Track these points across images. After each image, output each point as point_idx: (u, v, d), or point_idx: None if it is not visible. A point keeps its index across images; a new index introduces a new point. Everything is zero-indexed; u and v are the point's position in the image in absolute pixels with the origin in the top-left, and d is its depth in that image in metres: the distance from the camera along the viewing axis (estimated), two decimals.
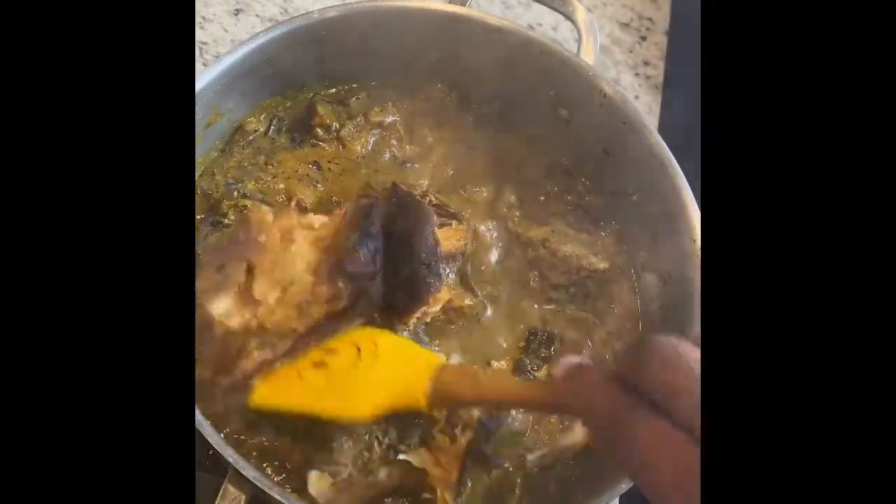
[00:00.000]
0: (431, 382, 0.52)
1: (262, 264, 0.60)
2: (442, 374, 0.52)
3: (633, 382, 0.37)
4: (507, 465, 0.64)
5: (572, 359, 0.42)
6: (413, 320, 0.65)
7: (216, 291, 0.59)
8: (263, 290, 0.59)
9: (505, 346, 0.69)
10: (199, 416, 0.54)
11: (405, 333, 0.65)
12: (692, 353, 0.35)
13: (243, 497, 0.53)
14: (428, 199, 0.70)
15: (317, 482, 0.58)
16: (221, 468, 0.54)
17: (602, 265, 0.72)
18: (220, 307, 0.59)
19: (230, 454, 0.53)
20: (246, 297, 0.59)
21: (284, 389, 0.55)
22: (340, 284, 0.59)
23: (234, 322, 0.58)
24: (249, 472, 0.52)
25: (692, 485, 0.33)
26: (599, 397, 0.38)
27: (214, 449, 0.53)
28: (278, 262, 0.60)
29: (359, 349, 0.56)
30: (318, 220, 0.63)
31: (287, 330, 0.58)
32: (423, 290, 0.63)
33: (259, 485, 0.52)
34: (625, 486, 0.58)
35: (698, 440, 0.34)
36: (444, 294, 0.65)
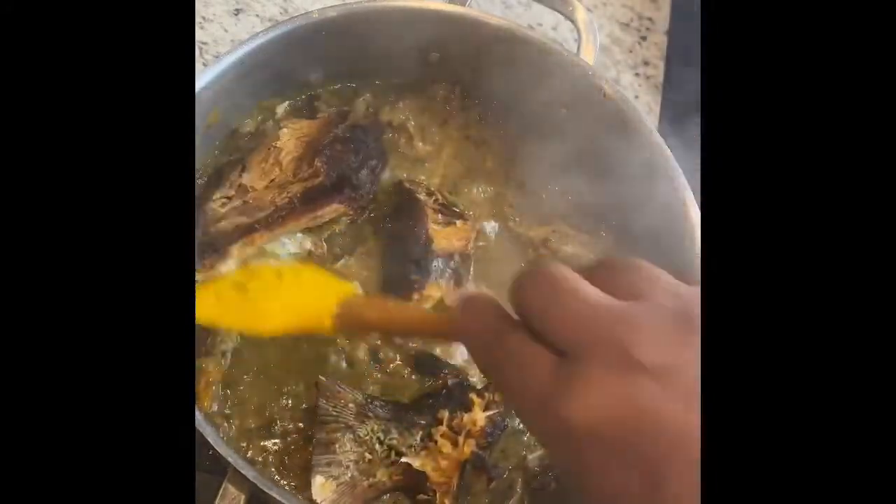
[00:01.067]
0: (339, 307, 0.52)
1: (252, 161, 0.69)
2: (350, 300, 0.53)
3: (518, 309, 0.36)
4: (505, 475, 0.64)
5: (468, 291, 0.41)
6: None
7: (213, 189, 0.68)
8: (253, 179, 0.68)
9: None
10: (198, 416, 0.54)
11: None
12: (567, 276, 0.34)
13: (243, 497, 0.53)
14: (434, 197, 0.71)
15: (321, 488, 0.58)
16: (221, 468, 0.54)
17: None
18: (216, 197, 0.68)
19: (230, 454, 0.53)
20: (239, 189, 0.68)
21: (204, 304, 0.56)
22: (317, 163, 0.68)
23: (225, 208, 0.67)
24: (249, 471, 0.52)
25: (557, 411, 0.31)
26: (484, 323, 0.37)
27: (214, 449, 0.53)
28: (266, 156, 0.70)
29: (280, 276, 0.58)
30: (303, 123, 0.72)
31: (266, 203, 0.67)
32: (406, 286, 0.66)
33: (259, 484, 0.52)
34: None
35: (563, 357, 0.32)
36: (434, 292, 0.66)
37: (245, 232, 0.66)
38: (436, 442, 0.61)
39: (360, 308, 0.52)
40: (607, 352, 0.31)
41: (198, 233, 0.65)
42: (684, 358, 0.31)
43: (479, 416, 0.62)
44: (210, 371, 0.63)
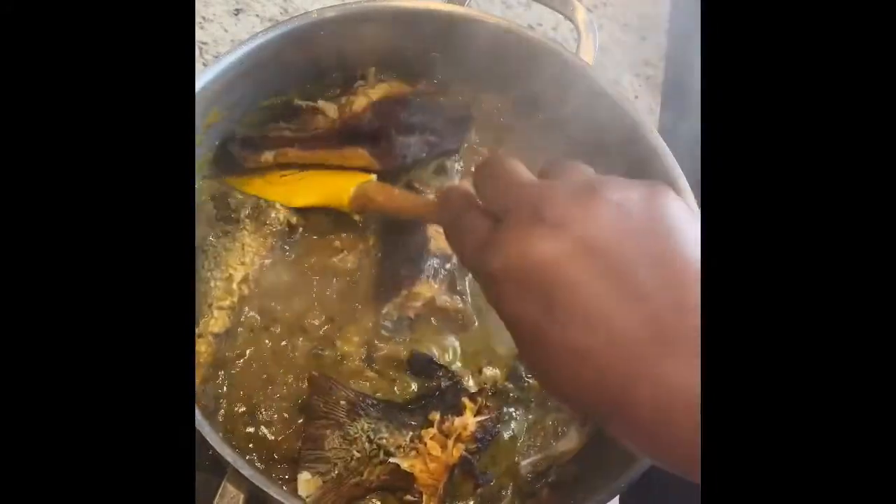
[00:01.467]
0: (355, 189, 0.67)
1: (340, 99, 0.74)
2: (364, 185, 0.67)
3: (475, 188, 0.44)
4: (493, 482, 0.64)
5: (451, 184, 0.51)
6: (393, 312, 0.66)
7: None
8: (327, 108, 0.73)
9: (500, 352, 0.69)
10: (198, 415, 0.54)
11: (387, 324, 0.66)
12: (508, 162, 0.42)
13: (242, 496, 0.53)
14: None
15: (306, 485, 0.58)
16: (220, 468, 0.54)
17: None
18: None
19: (228, 453, 0.53)
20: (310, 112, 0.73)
21: (257, 184, 0.71)
22: (368, 111, 0.71)
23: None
24: (247, 470, 0.52)
25: (484, 260, 0.39)
26: (454, 204, 0.44)
27: (214, 448, 0.53)
28: (351, 98, 0.73)
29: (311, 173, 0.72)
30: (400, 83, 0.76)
31: (312, 127, 0.72)
32: (397, 281, 0.67)
33: (258, 484, 0.52)
34: (625, 485, 0.58)
35: (498, 221, 0.40)
36: (425, 290, 0.66)
37: (283, 143, 0.71)
38: (425, 444, 0.61)
39: (371, 191, 0.66)
40: (523, 213, 0.38)
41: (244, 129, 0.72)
42: (576, 215, 0.37)
43: (469, 421, 0.62)
44: (201, 352, 0.64)
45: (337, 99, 0.74)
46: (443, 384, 0.65)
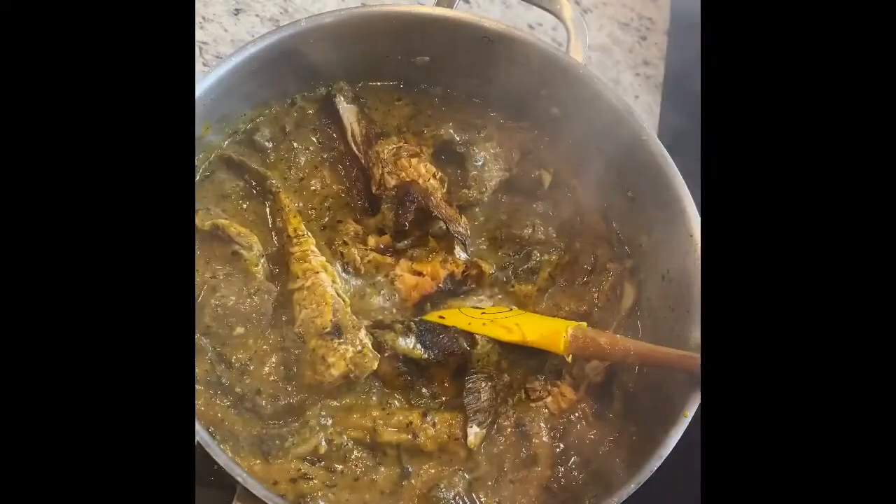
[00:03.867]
0: (573, 331, 0.66)
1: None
2: (582, 329, 0.67)
3: None
4: None
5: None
6: None
7: None
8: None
9: None
10: (204, 435, 0.53)
11: None
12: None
13: None
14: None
15: (477, 437, 0.64)
16: (228, 484, 0.53)
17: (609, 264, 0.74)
18: None
19: (238, 473, 0.52)
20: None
21: (462, 319, 0.71)
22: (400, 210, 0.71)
23: None
24: (259, 490, 0.51)
25: None
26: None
27: (219, 465, 0.52)
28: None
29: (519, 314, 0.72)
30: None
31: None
32: None
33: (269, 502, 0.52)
34: (634, 486, 0.59)
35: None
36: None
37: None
38: (557, 386, 0.68)
39: (592, 334, 0.66)
40: None
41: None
42: None
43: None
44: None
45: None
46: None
